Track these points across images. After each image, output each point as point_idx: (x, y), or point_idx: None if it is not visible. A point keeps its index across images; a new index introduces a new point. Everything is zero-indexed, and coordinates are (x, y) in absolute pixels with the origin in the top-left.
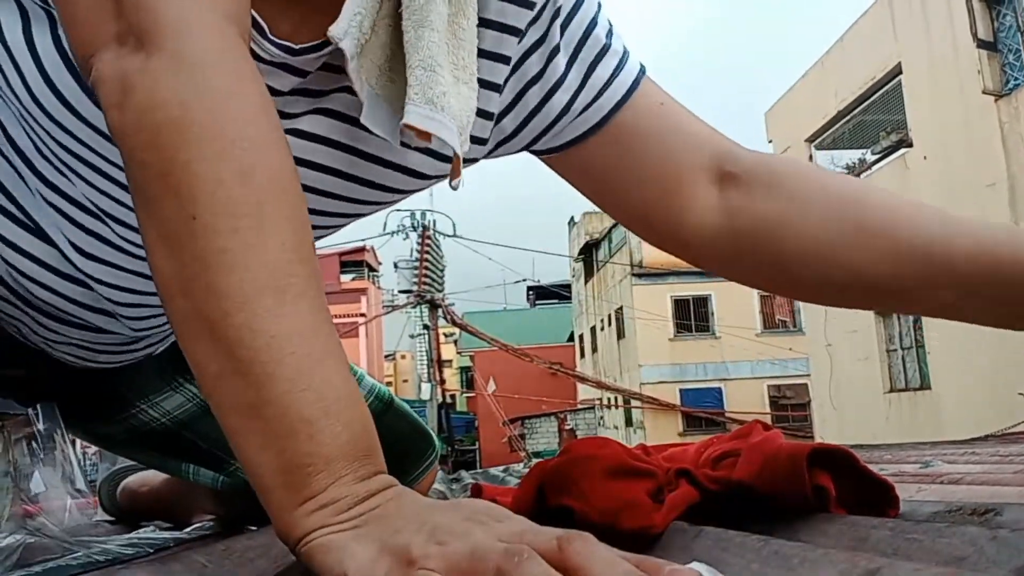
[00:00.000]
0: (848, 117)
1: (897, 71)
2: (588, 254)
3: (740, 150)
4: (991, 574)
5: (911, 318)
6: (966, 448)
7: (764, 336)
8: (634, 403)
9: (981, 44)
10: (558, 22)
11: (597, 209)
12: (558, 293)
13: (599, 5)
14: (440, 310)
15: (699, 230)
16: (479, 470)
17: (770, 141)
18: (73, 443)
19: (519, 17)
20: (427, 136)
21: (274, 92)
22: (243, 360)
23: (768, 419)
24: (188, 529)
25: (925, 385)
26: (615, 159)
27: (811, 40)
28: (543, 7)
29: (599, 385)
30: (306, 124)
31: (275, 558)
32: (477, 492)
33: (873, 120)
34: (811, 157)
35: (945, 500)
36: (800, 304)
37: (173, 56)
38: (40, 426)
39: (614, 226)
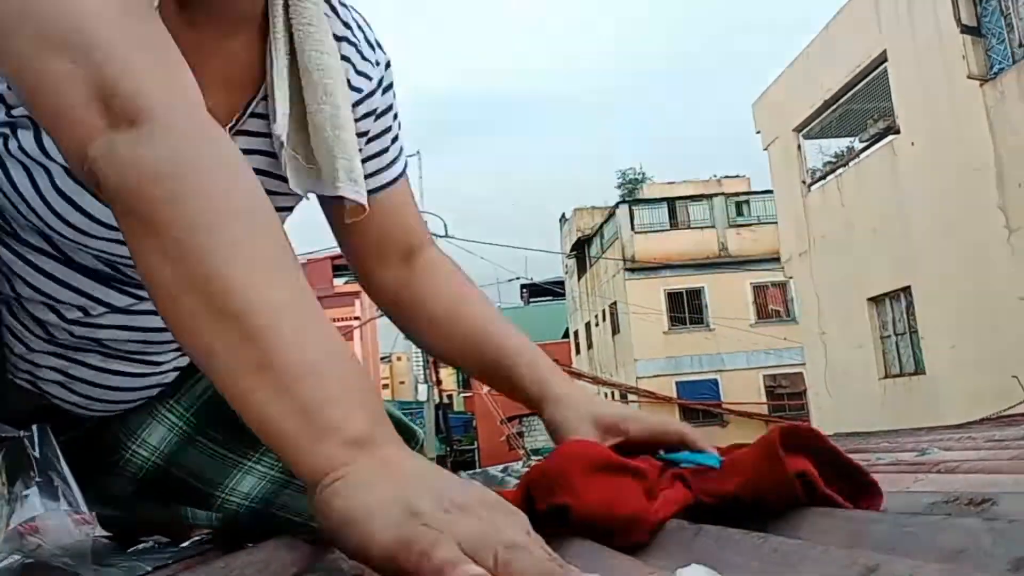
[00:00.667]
0: (835, 106)
1: (882, 59)
2: (580, 250)
3: (424, 249)
4: (989, 567)
5: (903, 304)
6: (962, 433)
7: (758, 326)
8: (631, 397)
9: (965, 29)
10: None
11: (588, 204)
12: (551, 290)
13: (396, 114)
14: None
15: (382, 290)
16: (478, 469)
17: (758, 132)
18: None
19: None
20: (360, 208)
21: None
22: (251, 326)
23: (765, 409)
24: (186, 544)
25: (920, 370)
26: (356, 223)
27: (796, 30)
28: (371, 93)
29: (595, 381)
30: None
31: (274, 573)
32: None
33: (860, 108)
34: (799, 147)
35: (942, 490)
36: (793, 293)
37: (167, 125)
38: (35, 451)
39: (605, 221)
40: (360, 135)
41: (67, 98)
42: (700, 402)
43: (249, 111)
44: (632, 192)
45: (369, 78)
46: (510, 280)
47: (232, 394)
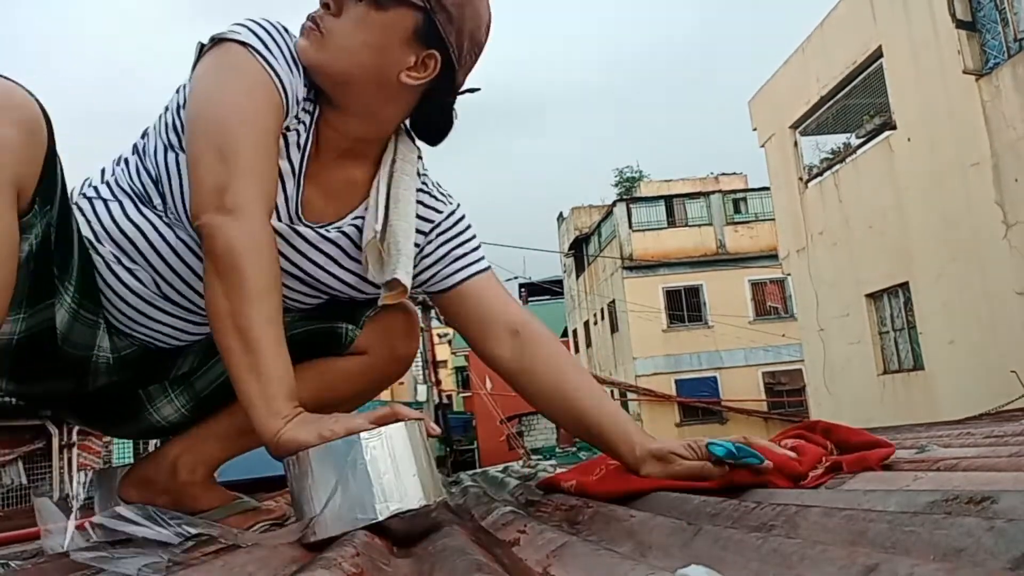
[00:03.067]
0: (831, 102)
1: (878, 54)
2: (578, 249)
3: (529, 324)
4: (989, 566)
5: (901, 300)
6: (961, 429)
7: (757, 323)
8: (630, 395)
9: (960, 24)
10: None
11: (585, 203)
12: (550, 289)
13: (469, 225)
14: (433, 311)
15: (499, 358)
16: (478, 470)
17: (754, 129)
18: (69, 464)
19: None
20: (404, 289)
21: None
22: (253, 347)
23: (764, 406)
24: (185, 541)
25: (918, 366)
26: (457, 307)
27: (792, 27)
28: (439, 223)
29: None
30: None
31: (275, 569)
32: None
33: (856, 104)
34: (796, 143)
35: (942, 488)
36: (791, 290)
37: (248, 221)
38: (54, 432)
39: (603, 219)
40: (421, 245)
41: (205, 176)
42: (699, 400)
43: (351, 216)
44: (629, 190)
45: (439, 211)
46: (508, 280)
47: (234, 373)
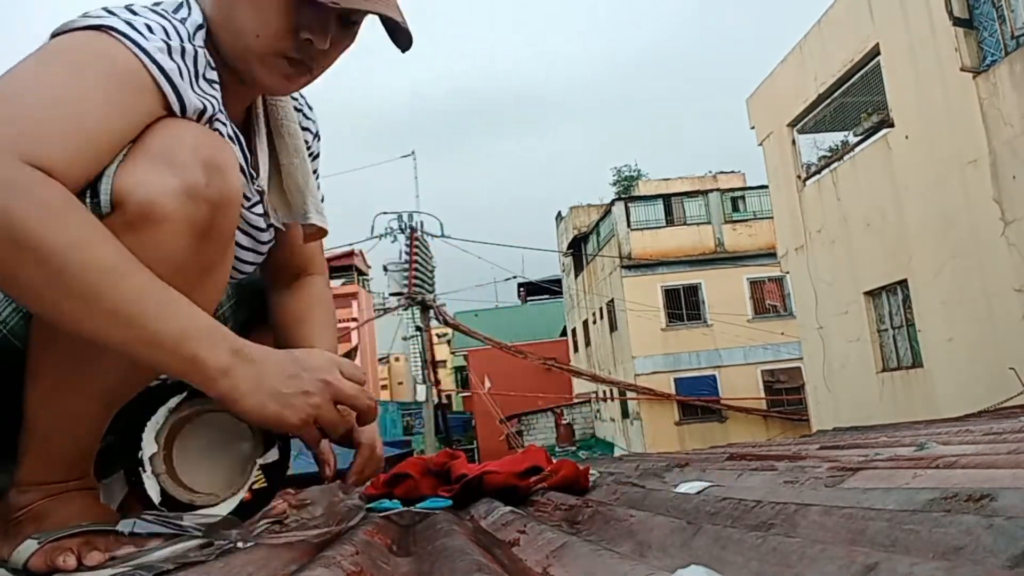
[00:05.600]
0: (829, 100)
1: (875, 52)
2: (577, 248)
3: (310, 275)
4: (988, 564)
5: (900, 297)
6: (960, 426)
7: (755, 321)
8: (629, 394)
9: (957, 22)
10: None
11: (583, 202)
12: (549, 288)
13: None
14: (432, 311)
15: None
16: None
17: (752, 127)
18: None
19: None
20: (324, 231)
21: None
22: (150, 328)
23: (763, 404)
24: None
25: (917, 363)
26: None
27: (789, 25)
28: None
29: (594, 379)
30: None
31: (274, 569)
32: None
33: (854, 102)
34: (794, 141)
35: (941, 486)
36: (790, 288)
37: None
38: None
39: (602, 219)
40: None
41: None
42: (699, 398)
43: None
44: (628, 189)
45: (310, 131)
46: (507, 279)
47: (148, 356)
